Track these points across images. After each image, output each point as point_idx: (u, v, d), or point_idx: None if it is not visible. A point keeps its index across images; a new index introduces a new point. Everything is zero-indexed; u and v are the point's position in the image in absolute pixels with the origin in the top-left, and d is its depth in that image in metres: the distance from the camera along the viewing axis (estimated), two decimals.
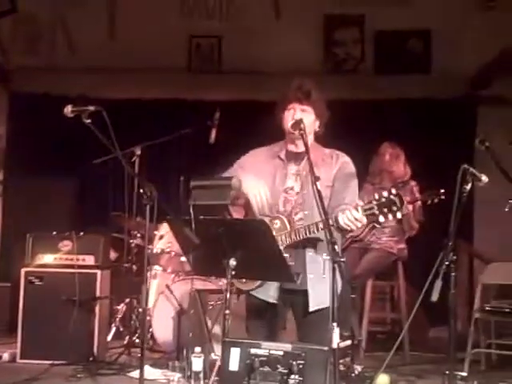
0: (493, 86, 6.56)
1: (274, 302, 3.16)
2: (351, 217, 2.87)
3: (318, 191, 2.85)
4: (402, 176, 5.39)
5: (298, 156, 3.21)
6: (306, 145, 3.01)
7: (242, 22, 6.77)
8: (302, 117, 3.12)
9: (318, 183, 2.88)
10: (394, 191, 2.85)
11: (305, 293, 3.11)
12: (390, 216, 2.84)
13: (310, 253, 3.12)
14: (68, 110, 3.21)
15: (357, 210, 2.87)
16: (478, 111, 6.66)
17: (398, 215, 2.85)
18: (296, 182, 3.19)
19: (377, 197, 2.86)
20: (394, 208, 2.82)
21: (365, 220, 2.89)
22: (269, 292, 3.16)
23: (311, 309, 3.09)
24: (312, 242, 3.12)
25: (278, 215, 3.14)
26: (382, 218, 2.86)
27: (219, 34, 6.87)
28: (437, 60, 6.81)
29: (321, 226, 2.96)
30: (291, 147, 3.23)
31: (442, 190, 4.84)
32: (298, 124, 3.09)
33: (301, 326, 3.19)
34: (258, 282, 3.13)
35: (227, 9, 6.86)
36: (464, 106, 6.64)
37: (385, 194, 2.85)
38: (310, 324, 3.11)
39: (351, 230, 2.98)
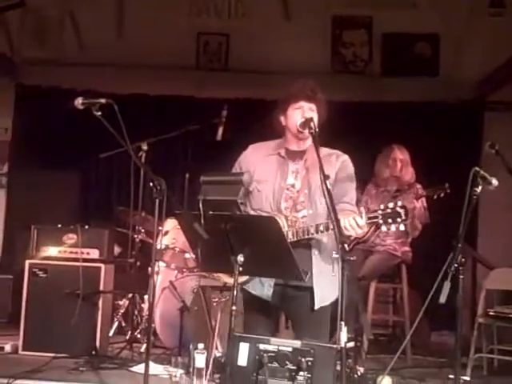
0: (500, 91, 6.57)
1: (268, 299, 3.16)
2: (353, 223, 2.91)
3: (328, 190, 2.85)
4: (410, 180, 5.38)
5: (297, 155, 3.23)
6: (316, 144, 3.02)
7: (251, 20, 6.78)
8: (312, 115, 3.12)
9: (327, 182, 2.88)
10: (399, 203, 2.89)
11: (310, 290, 3.11)
12: (393, 227, 2.90)
13: (315, 251, 3.13)
14: (78, 101, 3.16)
15: (361, 217, 2.91)
16: (485, 116, 6.67)
17: (401, 227, 2.91)
18: (296, 180, 3.20)
19: (382, 207, 2.91)
20: (399, 219, 2.88)
21: (366, 228, 2.94)
22: (263, 288, 3.17)
23: (317, 306, 3.10)
24: (316, 242, 3.13)
25: (277, 213, 3.14)
26: (384, 228, 2.93)
27: (227, 32, 6.87)
28: (444, 64, 6.82)
29: (321, 228, 3.00)
30: (292, 146, 3.24)
31: (447, 184, 4.86)
32: (307, 122, 3.09)
33: (301, 323, 3.18)
34: (246, 277, 3.14)
35: (236, 7, 6.86)
36: (471, 110, 6.65)
37: (390, 205, 2.89)
38: (312, 321, 3.12)
39: (349, 236, 2.99)
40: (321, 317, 3.11)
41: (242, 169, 3.30)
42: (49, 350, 4.49)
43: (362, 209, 2.98)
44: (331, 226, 2.93)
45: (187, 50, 6.84)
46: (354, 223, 2.89)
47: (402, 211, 2.86)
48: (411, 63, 6.81)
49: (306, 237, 3.05)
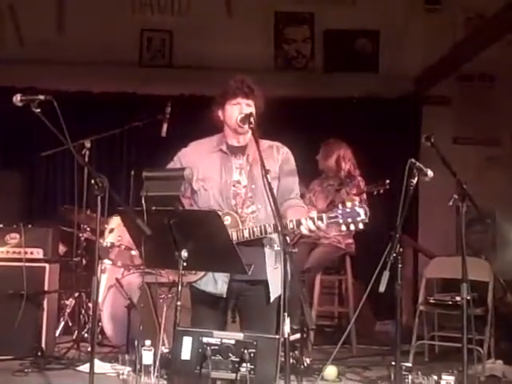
0: (437, 86, 6.76)
1: (222, 296, 3.17)
2: (313, 227, 2.93)
3: (269, 184, 2.88)
4: (332, 171, 5.46)
5: (238, 150, 3.24)
6: (256, 139, 3.03)
7: (194, 17, 6.77)
8: (250, 111, 3.15)
9: (268, 176, 2.92)
10: (357, 203, 2.91)
11: (264, 283, 3.15)
12: (352, 226, 2.90)
13: (267, 244, 3.17)
14: (17, 98, 3.09)
15: (322, 221, 2.92)
16: (423, 110, 6.85)
17: (360, 226, 2.90)
18: (241, 176, 3.22)
19: (340, 206, 2.92)
20: (358, 219, 2.88)
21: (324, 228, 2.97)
22: (216, 286, 3.18)
23: (272, 299, 3.14)
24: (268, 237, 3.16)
25: (229, 211, 3.15)
26: (344, 227, 2.92)
27: (171, 28, 6.84)
28: (384, 59, 6.96)
29: (269, 230, 3.03)
30: (232, 141, 3.25)
31: (388, 181, 4.96)
32: (247, 118, 3.10)
33: (255, 317, 3.20)
34: (201, 274, 3.14)
35: (179, 4, 6.85)
36: (409, 104, 6.82)
37: (349, 204, 2.90)
38: (266, 314, 3.16)
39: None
40: (272, 309, 3.14)
41: (183, 165, 3.29)
42: None
43: (314, 212, 2.97)
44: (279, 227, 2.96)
45: (130, 47, 6.79)
46: (314, 227, 2.91)
47: (361, 211, 2.88)
48: (352, 59, 6.92)
49: (253, 238, 3.06)
